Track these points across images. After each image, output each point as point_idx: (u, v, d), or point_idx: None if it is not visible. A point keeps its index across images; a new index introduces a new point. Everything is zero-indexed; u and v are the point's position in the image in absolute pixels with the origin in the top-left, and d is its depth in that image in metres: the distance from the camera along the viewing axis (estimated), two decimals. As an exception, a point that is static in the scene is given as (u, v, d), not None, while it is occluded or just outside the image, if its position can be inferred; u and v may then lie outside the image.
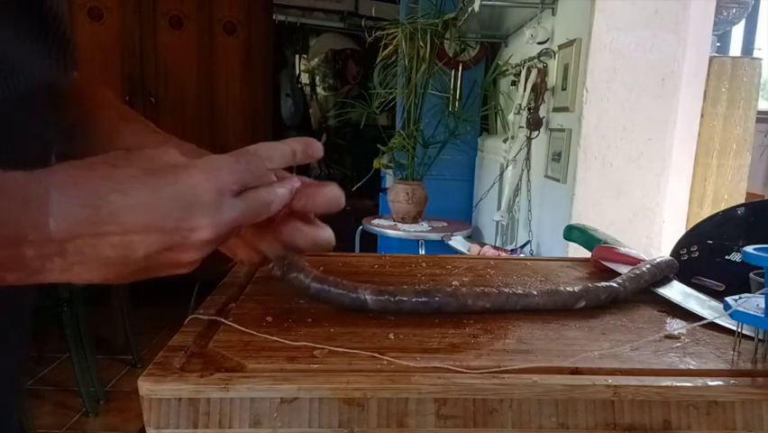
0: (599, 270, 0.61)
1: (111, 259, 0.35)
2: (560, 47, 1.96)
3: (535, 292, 0.47)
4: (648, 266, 0.54)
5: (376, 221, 2.65)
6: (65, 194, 0.34)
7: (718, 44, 1.91)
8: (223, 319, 0.43)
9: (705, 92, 1.74)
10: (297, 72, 4.87)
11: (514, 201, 2.50)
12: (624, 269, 0.56)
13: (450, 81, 3.01)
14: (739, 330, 0.40)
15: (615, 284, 0.50)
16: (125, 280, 0.38)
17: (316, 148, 0.44)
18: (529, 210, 2.31)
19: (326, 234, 0.46)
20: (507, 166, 2.53)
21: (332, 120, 4.87)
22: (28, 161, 0.37)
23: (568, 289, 0.48)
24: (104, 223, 0.34)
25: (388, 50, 2.84)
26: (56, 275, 0.35)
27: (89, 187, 0.35)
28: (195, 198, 0.36)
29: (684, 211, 1.78)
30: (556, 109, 2.02)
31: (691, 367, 0.37)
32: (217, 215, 0.37)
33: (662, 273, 0.54)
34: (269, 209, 0.39)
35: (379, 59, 2.93)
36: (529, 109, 2.18)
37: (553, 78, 2.07)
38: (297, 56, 4.84)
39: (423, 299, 0.45)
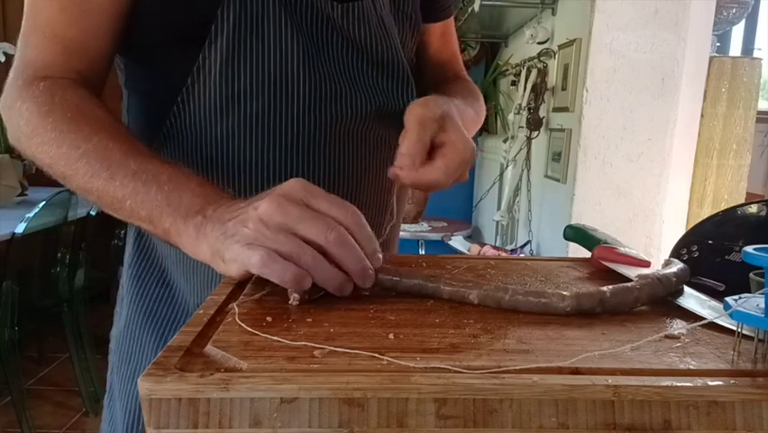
0: (599, 270, 0.61)
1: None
2: (560, 47, 1.96)
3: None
4: (661, 275, 0.50)
5: (376, 221, 2.64)
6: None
7: (718, 44, 1.91)
8: (229, 310, 0.43)
9: (705, 92, 1.74)
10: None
11: (514, 201, 2.50)
12: (624, 269, 0.56)
13: (450, 81, 2.99)
14: (739, 330, 0.39)
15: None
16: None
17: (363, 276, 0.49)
18: (529, 210, 2.31)
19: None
20: (507, 166, 2.53)
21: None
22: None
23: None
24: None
25: (388, 50, 2.83)
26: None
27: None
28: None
29: (684, 211, 1.78)
30: (556, 109, 2.02)
31: (691, 367, 0.37)
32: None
33: (676, 286, 0.51)
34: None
35: (379, 59, 2.92)
36: (529, 109, 2.18)
37: (553, 78, 2.07)
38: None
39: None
